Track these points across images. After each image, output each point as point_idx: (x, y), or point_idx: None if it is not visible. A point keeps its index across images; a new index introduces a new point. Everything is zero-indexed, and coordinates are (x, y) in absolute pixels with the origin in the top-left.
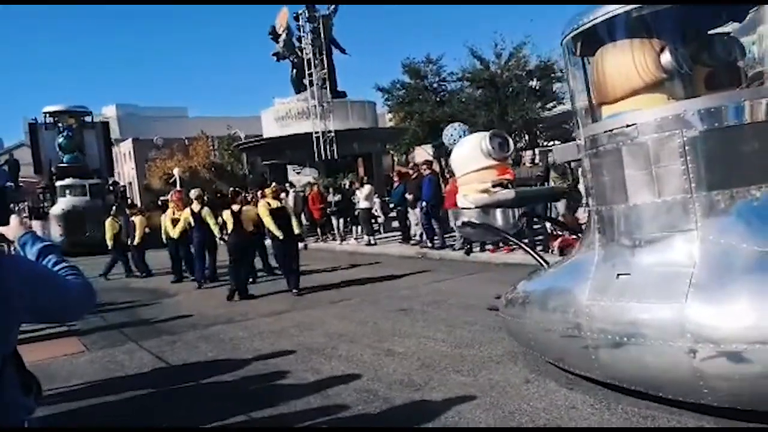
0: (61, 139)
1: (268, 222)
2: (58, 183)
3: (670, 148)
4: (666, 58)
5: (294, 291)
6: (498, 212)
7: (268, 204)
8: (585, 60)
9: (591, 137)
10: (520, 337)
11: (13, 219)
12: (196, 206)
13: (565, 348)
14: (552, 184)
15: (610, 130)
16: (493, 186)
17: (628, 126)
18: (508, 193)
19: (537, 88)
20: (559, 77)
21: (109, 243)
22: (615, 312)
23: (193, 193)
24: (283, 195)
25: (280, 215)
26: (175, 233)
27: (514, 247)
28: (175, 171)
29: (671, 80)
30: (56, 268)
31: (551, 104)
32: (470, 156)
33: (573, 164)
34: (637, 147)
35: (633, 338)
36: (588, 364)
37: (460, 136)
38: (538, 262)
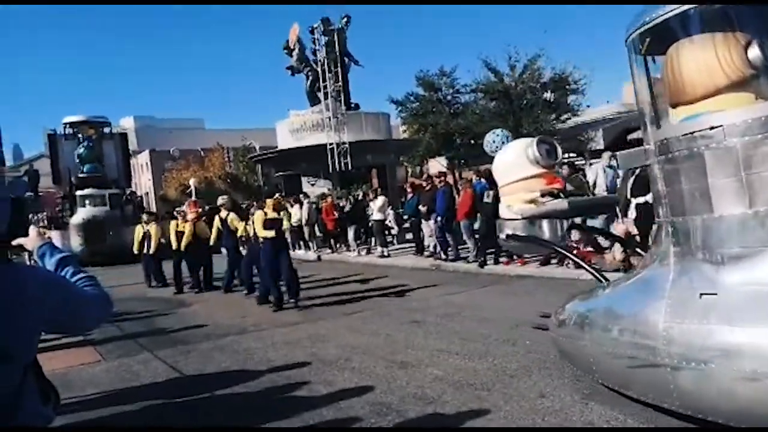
0: (81, 150)
1: (258, 228)
2: (78, 193)
3: (763, 153)
4: (754, 52)
5: (292, 301)
6: (545, 224)
7: (265, 214)
8: (653, 58)
9: (663, 141)
10: (578, 361)
11: (32, 230)
12: (224, 213)
13: (634, 374)
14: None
15: (689, 133)
16: (542, 195)
17: (712, 128)
18: (561, 203)
19: (551, 100)
20: (574, 89)
21: (136, 250)
22: (699, 335)
23: (221, 200)
24: (296, 206)
25: (273, 226)
26: (183, 242)
27: (528, 259)
28: (191, 181)
29: (760, 77)
30: (74, 278)
31: (565, 116)
32: (515, 163)
33: (589, 177)
34: (723, 152)
35: (721, 365)
36: (663, 392)
37: (503, 143)
38: (596, 278)
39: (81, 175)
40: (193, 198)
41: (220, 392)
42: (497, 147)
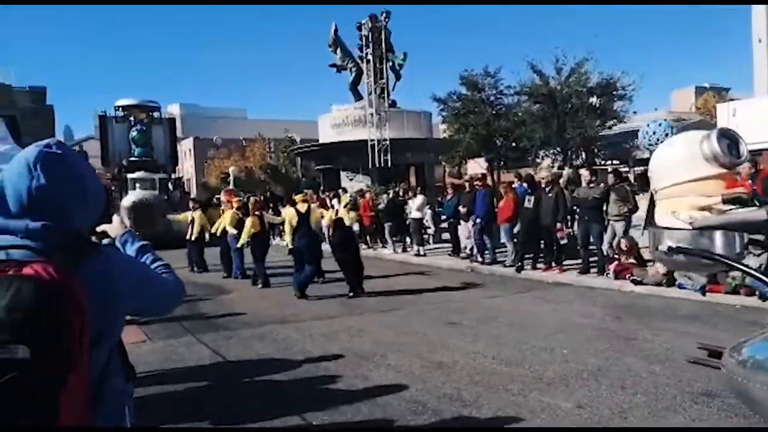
0: (134, 133)
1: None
2: (129, 175)
3: None
4: None
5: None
6: (719, 236)
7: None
8: None
9: None
10: None
11: (115, 218)
12: (302, 207)
13: None
14: (614, 207)
15: None
16: (724, 201)
17: None
18: (759, 213)
19: (597, 105)
20: (621, 95)
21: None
22: None
23: (300, 197)
24: (335, 200)
25: (303, 219)
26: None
27: (567, 267)
28: (231, 170)
29: None
30: (153, 265)
31: (611, 122)
32: (684, 161)
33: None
34: None
35: None
36: None
37: (666, 134)
38: None
39: (132, 158)
40: (230, 186)
41: (260, 379)
42: (658, 139)
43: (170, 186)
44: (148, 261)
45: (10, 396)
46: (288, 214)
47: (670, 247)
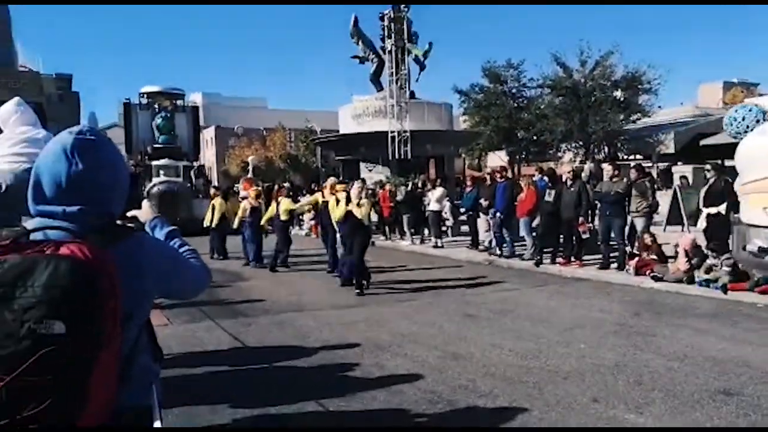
0: (159, 120)
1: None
2: (154, 163)
3: None
4: None
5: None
6: None
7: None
8: None
9: None
10: None
11: (145, 204)
12: (342, 196)
13: None
14: (633, 203)
15: None
16: None
17: None
18: None
19: (622, 99)
20: (646, 89)
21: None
22: None
23: (342, 186)
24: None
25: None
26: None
27: (587, 262)
28: (250, 159)
29: None
30: (181, 250)
31: (635, 116)
32: None
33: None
34: None
35: None
36: None
37: (758, 121)
38: None
39: (156, 146)
40: (249, 175)
41: (278, 365)
42: (747, 127)
43: (193, 174)
44: (176, 246)
45: (46, 369)
46: (331, 202)
47: (761, 248)
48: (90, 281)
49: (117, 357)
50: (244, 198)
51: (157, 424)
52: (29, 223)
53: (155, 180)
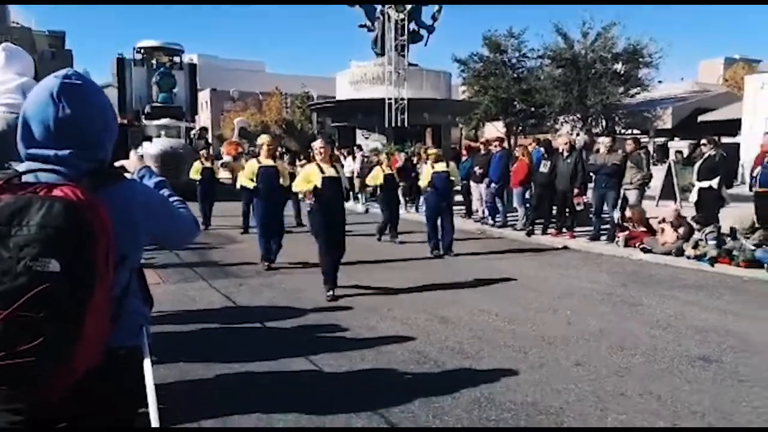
0: (158, 77)
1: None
2: (154, 122)
3: None
4: None
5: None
6: None
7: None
8: None
9: None
10: None
11: (133, 154)
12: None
13: None
14: (627, 174)
15: None
16: None
17: None
18: None
19: (622, 72)
20: (647, 63)
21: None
22: None
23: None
24: (349, 158)
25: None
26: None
27: (577, 233)
28: (236, 121)
29: None
30: (170, 199)
31: (634, 90)
32: None
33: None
34: None
35: None
36: None
37: None
38: None
39: (156, 104)
40: (234, 138)
41: (269, 325)
42: None
43: (194, 135)
44: (165, 195)
45: (43, 306)
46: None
47: None
48: (83, 222)
49: (109, 297)
50: (224, 164)
51: (147, 362)
52: (20, 166)
53: (156, 140)
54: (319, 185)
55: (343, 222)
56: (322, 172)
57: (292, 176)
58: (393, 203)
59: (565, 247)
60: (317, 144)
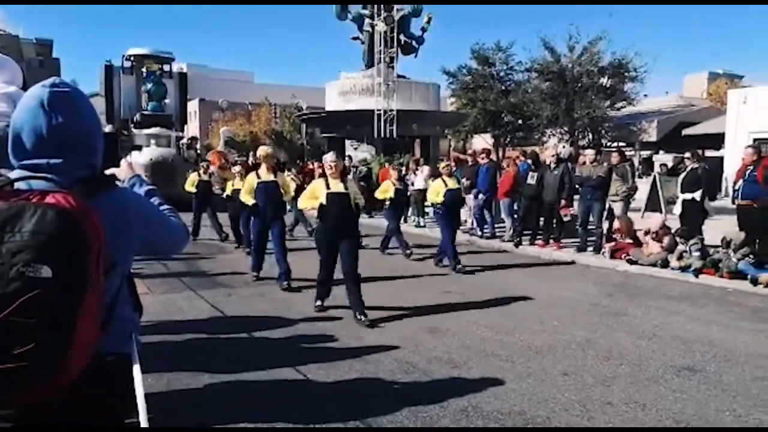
0: (149, 85)
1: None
2: (144, 131)
3: None
4: None
5: None
6: None
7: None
8: None
9: None
10: None
11: (124, 162)
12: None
13: None
14: (613, 186)
15: None
16: None
17: None
18: None
19: (608, 86)
20: (633, 77)
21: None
22: None
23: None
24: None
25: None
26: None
27: (564, 244)
28: (222, 131)
29: None
30: (160, 208)
31: (620, 104)
32: None
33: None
34: None
35: None
36: None
37: None
38: None
39: (146, 113)
40: (220, 148)
41: (257, 335)
42: None
43: (184, 145)
44: (156, 203)
45: (34, 311)
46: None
47: None
48: (75, 229)
49: (100, 303)
50: (211, 174)
51: (137, 369)
52: (12, 174)
53: (146, 150)
54: (324, 201)
55: (354, 237)
56: (328, 187)
57: (299, 188)
58: (398, 216)
59: (554, 259)
60: (328, 158)
